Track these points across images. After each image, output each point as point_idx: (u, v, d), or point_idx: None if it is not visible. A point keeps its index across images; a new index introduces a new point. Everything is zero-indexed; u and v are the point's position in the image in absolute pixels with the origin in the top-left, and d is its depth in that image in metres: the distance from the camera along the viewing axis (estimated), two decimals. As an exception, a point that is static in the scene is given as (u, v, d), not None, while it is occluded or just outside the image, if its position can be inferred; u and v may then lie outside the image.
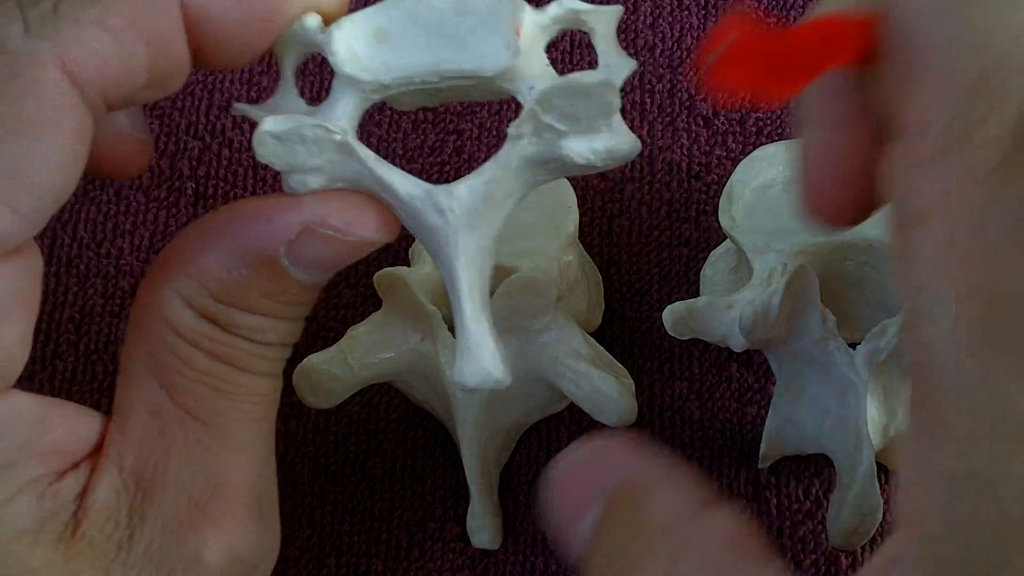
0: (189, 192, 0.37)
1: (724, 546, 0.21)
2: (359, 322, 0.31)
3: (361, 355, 0.31)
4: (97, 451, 0.24)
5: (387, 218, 0.24)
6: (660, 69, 0.38)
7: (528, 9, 0.23)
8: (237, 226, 0.24)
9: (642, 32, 0.39)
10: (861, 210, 0.22)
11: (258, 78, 0.39)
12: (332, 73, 0.24)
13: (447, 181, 0.24)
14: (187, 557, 0.23)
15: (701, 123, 0.37)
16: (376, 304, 0.32)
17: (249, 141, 0.37)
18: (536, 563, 0.33)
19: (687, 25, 0.39)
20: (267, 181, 0.38)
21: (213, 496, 0.24)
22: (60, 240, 0.36)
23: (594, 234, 0.36)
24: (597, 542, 0.23)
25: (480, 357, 0.24)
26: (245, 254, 0.23)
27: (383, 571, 0.33)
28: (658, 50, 0.39)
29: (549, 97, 0.23)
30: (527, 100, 0.23)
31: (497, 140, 0.37)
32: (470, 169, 0.24)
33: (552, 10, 0.24)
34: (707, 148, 0.37)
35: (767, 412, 0.32)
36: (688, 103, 0.38)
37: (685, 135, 0.37)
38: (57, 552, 0.22)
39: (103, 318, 0.36)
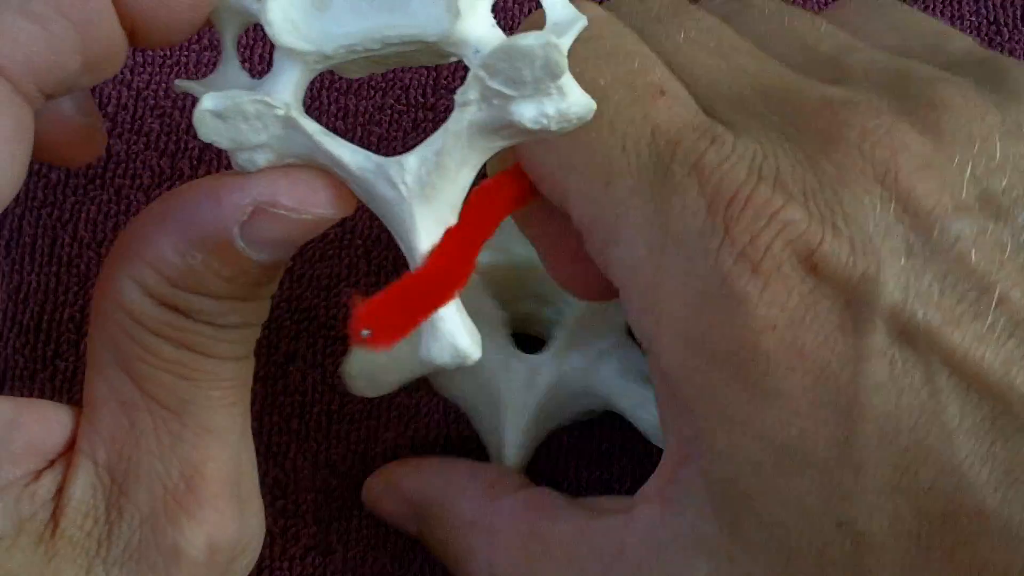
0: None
1: (522, 509, 0.27)
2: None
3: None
4: (71, 447, 0.23)
5: (341, 192, 0.23)
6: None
7: None
8: (187, 209, 0.23)
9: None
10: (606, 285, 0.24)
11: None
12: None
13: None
14: (166, 549, 0.23)
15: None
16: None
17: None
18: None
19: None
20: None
21: (188, 486, 0.23)
22: (60, 240, 0.36)
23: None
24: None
25: (447, 332, 0.23)
26: (197, 238, 0.23)
27: (388, 565, 0.33)
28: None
29: (492, 61, 0.22)
30: (473, 64, 0.22)
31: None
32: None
33: None
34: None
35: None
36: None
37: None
38: (37, 554, 0.22)
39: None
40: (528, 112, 0.22)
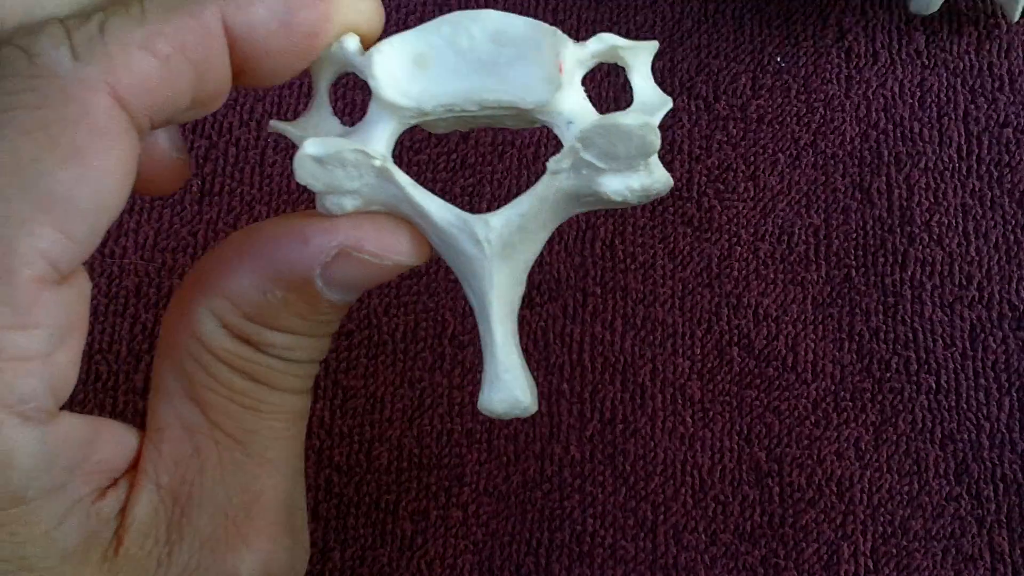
0: (194, 190, 0.38)
1: None
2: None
3: None
4: (134, 468, 0.24)
5: (419, 242, 0.24)
6: (660, 48, 0.39)
7: (570, 44, 0.24)
8: (272, 247, 0.24)
9: (640, 10, 0.40)
10: None
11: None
12: (364, 91, 0.24)
13: (478, 204, 0.24)
14: (224, 574, 0.24)
15: (702, 106, 0.38)
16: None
17: (255, 139, 0.38)
18: (541, 538, 0.33)
19: (687, 8, 0.39)
20: (272, 178, 0.38)
21: (247, 514, 0.24)
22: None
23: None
24: None
25: (510, 386, 0.24)
26: (280, 276, 0.24)
27: (388, 562, 0.33)
28: (657, 29, 0.39)
29: (590, 135, 0.23)
30: (564, 134, 0.24)
31: (524, 169, 0.38)
32: (502, 193, 0.24)
33: (592, 46, 0.24)
34: (707, 132, 0.38)
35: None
36: (688, 84, 0.38)
37: (685, 116, 0.38)
38: (101, 570, 0.22)
39: (107, 318, 0.36)
40: (614, 185, 0.24)
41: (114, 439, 0.23)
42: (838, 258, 0.36)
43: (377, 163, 0.23)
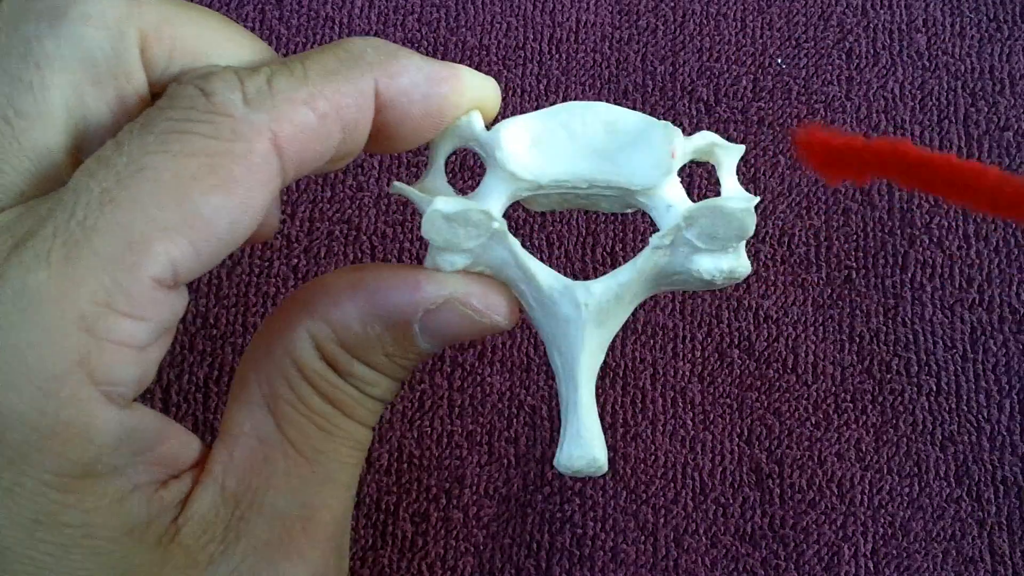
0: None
1: None
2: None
3: None
4: (196, 467, 0.25)
5: (515, 307, 0.26)
6: (663, 51, 0.39)
7: (681, 136, 0.26)
8: (384, 286, 0.25)
9: (644, 15, 0.40)
10: None
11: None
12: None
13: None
14: None
15: (703, 109, 0.38)
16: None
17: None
18: (542, 541, 0.33)
19: (689, 11, 0.39)
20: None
21: (304, 528, 0.25)
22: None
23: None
24: None
25: (591, 446, 0.25)
26: (384, 314, 0.25)
27: (388, 563, 0.33)
28: (660, 32, 0.39)
29: (696, 215, 0.25)
30: (663, 217, 0.25)
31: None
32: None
33: (696, 141, 0.26)
34: (708, 135, 0.38)
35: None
36: (689, 87, 0.38)
37: (686, 119, 0.38)
38: (156, 553, 0.23)
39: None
40: (706, 264, 0.25)
41: (179, 439, 0.25)
42: (838, 260, 0.36)
43: (496, 225, 0.25)
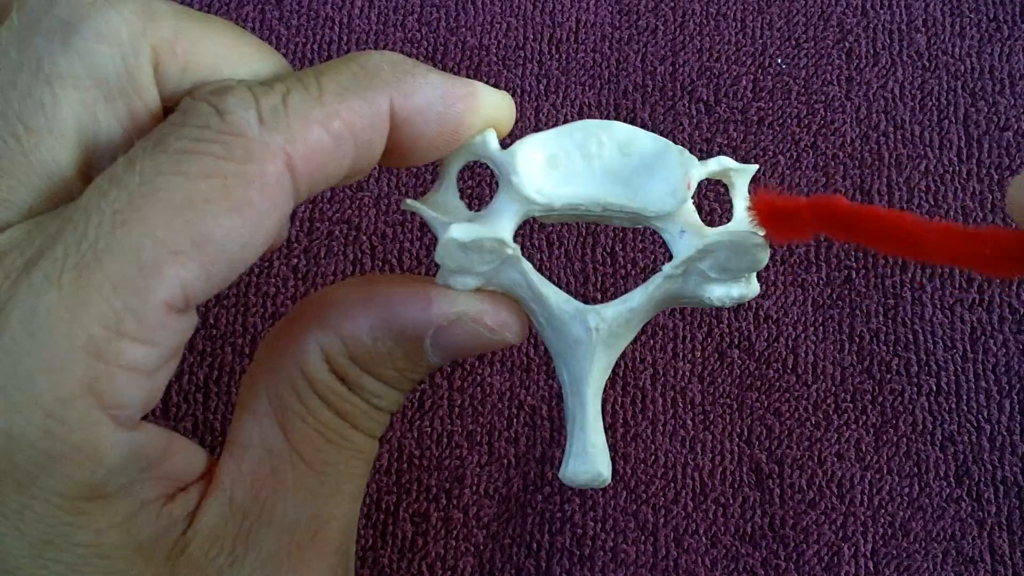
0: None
1: None
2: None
3: None
4: (203, 478, 0.25)
5: (525, 324, 0.26)
6: (662, 52, 0.39)
7: (697, 163, 0.26)
8: (396, 301, 0.25)
9: (644, 15, 0.40)
10: None
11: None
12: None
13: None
14: None
15: (703, 109, 0.38)
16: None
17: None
18: (542, 541, 0.33)
19: (689, 11, 0.39)
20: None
21: (312, 539, 0.25)
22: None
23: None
24: None
25: (596, 461, 0.26)
26: (396, 328, 0.25)
27: (388, 563, 0.34)
28: (660, 32, 0.39)
29: (712, 248, 0.25)
30: (676, 241, 0.26)
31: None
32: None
33: (711, 166, 0.26)
34: (708, 135, 0.38)
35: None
36: (689, 87, 0.38)
37: (686, 119, 0.38)
38: (165, 567, 0.23)
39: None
40: (717, 292, 0.26)
41: (184, 452, 0.24)
42: (838, 260, 0.36)
43: (510, 252, 0.25)
